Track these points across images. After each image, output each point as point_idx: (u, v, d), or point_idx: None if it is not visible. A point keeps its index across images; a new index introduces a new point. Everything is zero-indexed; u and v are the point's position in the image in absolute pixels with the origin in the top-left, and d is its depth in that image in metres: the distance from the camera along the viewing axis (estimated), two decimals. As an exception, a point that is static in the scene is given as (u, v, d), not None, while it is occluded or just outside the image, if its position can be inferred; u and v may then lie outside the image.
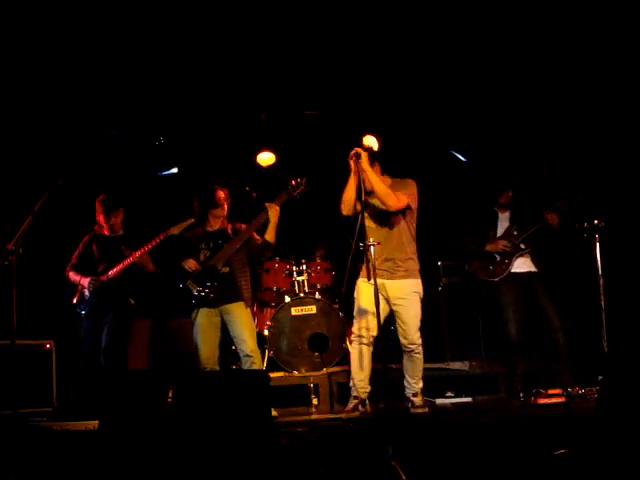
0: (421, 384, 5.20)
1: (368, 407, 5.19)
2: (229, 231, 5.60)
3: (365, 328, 5.11)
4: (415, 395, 5.15)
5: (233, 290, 5.48)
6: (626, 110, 6.24)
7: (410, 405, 5.16)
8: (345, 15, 6.00)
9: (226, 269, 5.45)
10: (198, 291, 5.39)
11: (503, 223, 5.89)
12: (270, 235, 5.46)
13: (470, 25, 6.13)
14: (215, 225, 5.61)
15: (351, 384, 5.24)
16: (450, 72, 6.64)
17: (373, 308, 4.69)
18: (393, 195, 5.08)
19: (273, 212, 5.40)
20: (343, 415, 5.10)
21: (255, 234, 5.54)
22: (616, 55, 6.07)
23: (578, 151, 6.51)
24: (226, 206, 5.61)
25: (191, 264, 5.44)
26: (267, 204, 5.44)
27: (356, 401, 5.18)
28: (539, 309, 5.70)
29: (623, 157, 6.29)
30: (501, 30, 6.14)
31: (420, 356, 5.16)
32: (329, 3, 5.92)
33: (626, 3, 5.74)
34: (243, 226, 5.60)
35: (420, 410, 5.10)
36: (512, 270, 5.74)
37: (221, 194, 5.58)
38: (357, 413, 5.11)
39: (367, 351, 5.13)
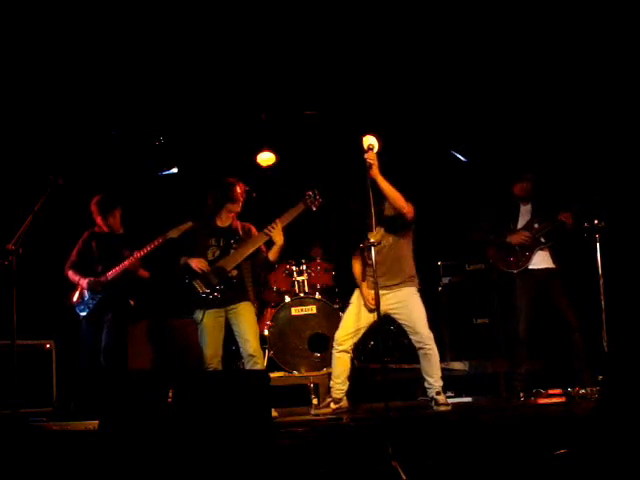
0: (441, 382, 5.21)
1: (345, 403, 5.41)
2: (240, 231, 5.56)
3: (345, 338, 5.33)
4: (438, 393, 5.17)
5: (240, 290, 5.47)
6: (627, 110, 6.24)
7: (433, 404, 5.16)
8: (345, 15, 6.00)
9: (234, 272, 5.43)
10: (206, 293, 5.36)
11: (525, 216, 5.78)
12: (273, 255, 5.44)
13: (471, 23, 6.12)
14: (226, 221, 5.57)
15: (330, 384, 5.47)
16: (452, 71, 6.64)
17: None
18: (403, 199, 5.14)
19: (277, 235, 5.38)
20: (312, 411, 5.53)
21: (263, 246, 5.51)
22: (617, 56, 6.07)
23: (578, 152, 6.50)
24: (241, 203, 5.57)
25: (202, 265, 5.39)
26: (270, 228, 5.38)
27: (329, 399, 5.45)
28: (555, 307, 5.62)
29: (623, 158, 6.28)
30: (506, 25, 6.13)
31: (434, 352, 5.18)
32: (329, 3, 5.92)
33: (626, 5, 5.75)
34: (253, 228, 5.59)
35: (443, 408, 5.10)
36: (530, 266, 5.66)
37: (239, 189, 5.56)
38: (330, 409, 5.39)
39: (345, 357, 5.36)
